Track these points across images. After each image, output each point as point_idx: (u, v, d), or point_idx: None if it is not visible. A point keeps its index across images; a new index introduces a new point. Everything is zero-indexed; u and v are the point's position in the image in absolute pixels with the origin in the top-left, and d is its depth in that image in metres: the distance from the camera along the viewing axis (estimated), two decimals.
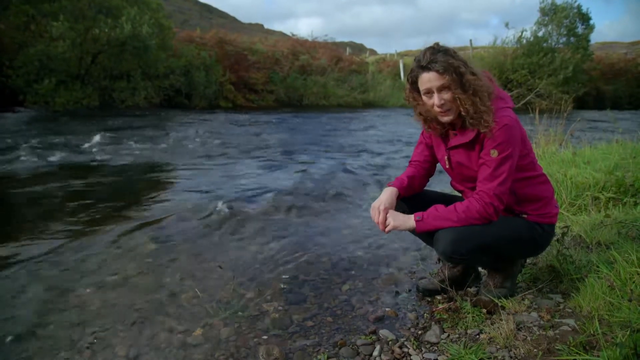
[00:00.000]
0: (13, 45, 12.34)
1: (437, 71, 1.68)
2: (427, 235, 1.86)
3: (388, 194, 1.91)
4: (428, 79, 1.71)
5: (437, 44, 1.75)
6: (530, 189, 1.83)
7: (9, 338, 1.83)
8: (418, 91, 1.80)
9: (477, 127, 1.71)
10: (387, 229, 1.82)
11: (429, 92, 1.73)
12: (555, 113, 4.87)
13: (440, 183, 3.10)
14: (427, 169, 2.07)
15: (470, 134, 1.75)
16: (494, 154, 1.69)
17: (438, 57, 1.69)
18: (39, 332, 1.88)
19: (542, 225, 1.83)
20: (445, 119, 1.76)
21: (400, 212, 1.89)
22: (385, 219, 1.83)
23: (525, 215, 1.84)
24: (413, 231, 1.85)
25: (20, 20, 12.32)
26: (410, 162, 2.11)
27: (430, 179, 2.11)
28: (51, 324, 1.93)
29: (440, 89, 1.70)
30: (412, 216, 1.80)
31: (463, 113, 1.71)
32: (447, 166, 1.93)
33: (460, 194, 2.09)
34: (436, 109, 1.74)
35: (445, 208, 1.77)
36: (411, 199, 2.00)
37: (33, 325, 1.92)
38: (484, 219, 1.72)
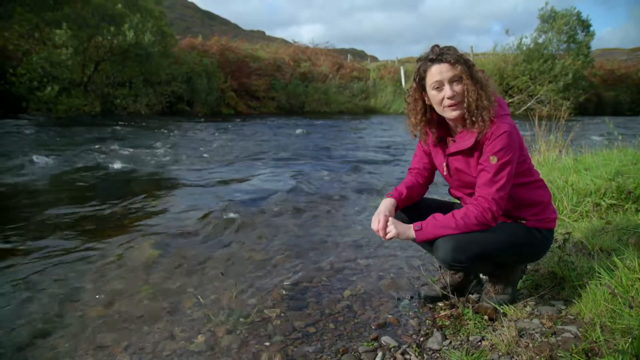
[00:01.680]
0: (17, 53, 12.45)
1: (449, 62, 1.68)
2: (427, 243, 1.86)
3: (386, 205, 1.91)
4: (439, 71, 1.70)
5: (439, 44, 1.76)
6: (528, 194, 1.84)
7: (11, 347, 1.83)
8: (423, 89, 1.80)
9: (474, 125, 1.71)
10: (387, 236, 1.81)
11: (440, 85, 1.72)
12: (555, 119, 4.88)
13: (438, 190, 3.10)
14: (427, 176, 2.08)
15: (469, 140, 1.75)
16: (494, 160, 1.69)
17: (447, 50, 1.70)
18: (40, 340, 1.88)
19: (540, 230, 1.84)
20: (454, 113, 1.74)
21: (399, 221, 1.89)
22: (385, 225, 1.83)
23: (524, 221, 1.85)
24: (414, 241, 1.85)
25: (24, 29, 12.44)
26: (409, 169, 2.12)
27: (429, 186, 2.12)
28: (52, 332, 1.94)
29: (452, 80, 1.70)
30: (411, 226, 1.80)
31: (465, 105, 1.70)
32: (446, 173, 1.93)
33: (458, 201, 2.10)
34: (446, 101, 1.72)
35: (444, 216, 1.77)
36: (410, 208, 2.01)
37: (34, 333, 1.92)
38: (483, 225, 1.72)
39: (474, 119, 1.71)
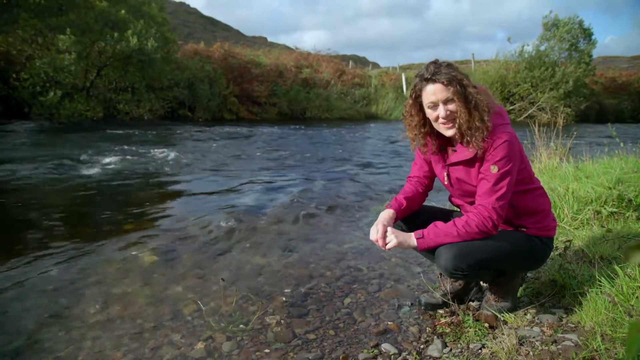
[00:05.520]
0: (20, 58, 12.54)
1: (442, 83, 1.70)
2: (428, 251, 1.86)
3: (385, 215, 1.92)
4: (433, 92, 1.72)
5: (437, 60, 1.78)
6: (529, 202, 1.85)
7: (10, 352, 1.83)
8: (420, 106, 1.82)
9: (469, 145, 1.74)
10: (388, 246, 1.81)
11: (434, 104, 1.74)
12: (556, 126, 4.89)
13: (436, 196, 3.10)
14: (427, 184, 2.09)
15: (470, 151, 1.76)
16: (494, 169, 1.71)
17: (442, 69, 1.71)
18: (39, 345, 1.88)
19: (541, 238, 1.85)
20: (450, 132, 1.77)
21: (399, 230, 1.90)
22: (385, 234, 1.83)
23: (524, 229, 1.86)
24: (415, 249, 1.86)
25: (28, 34, 12.52)
26: (408, 177, 2.12)
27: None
28: (52, 338, 1.94)
29: (446, 101, 1.72)
30: (412, 234, 1.80)
31: (457, 126, 1.73)
32: (447, 182, 1.94)
33: (457, 209, 2.10)
34: (441, 120, 1.75)
35: (445, 224, 1.78)
36: (409, 216, 2.01)
37: (33, 339, 1.92)
38: (484, 233, 1.73)
39: (468, 139, 1.73)
